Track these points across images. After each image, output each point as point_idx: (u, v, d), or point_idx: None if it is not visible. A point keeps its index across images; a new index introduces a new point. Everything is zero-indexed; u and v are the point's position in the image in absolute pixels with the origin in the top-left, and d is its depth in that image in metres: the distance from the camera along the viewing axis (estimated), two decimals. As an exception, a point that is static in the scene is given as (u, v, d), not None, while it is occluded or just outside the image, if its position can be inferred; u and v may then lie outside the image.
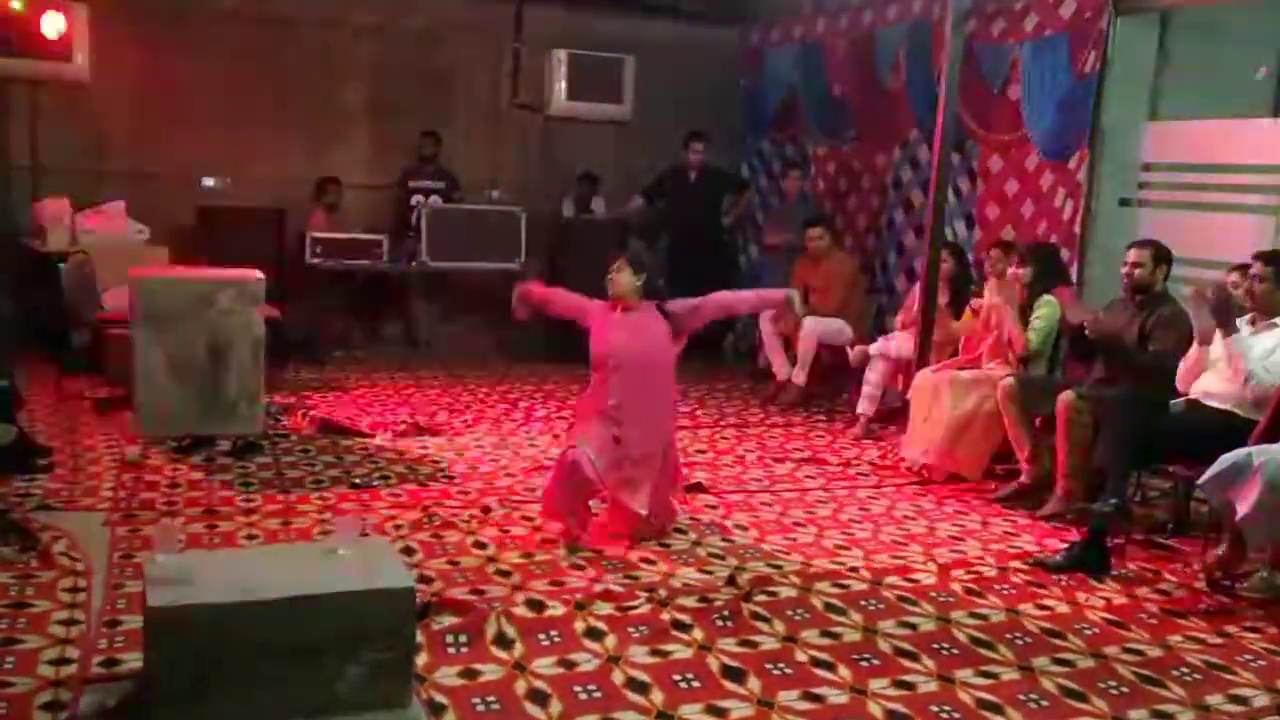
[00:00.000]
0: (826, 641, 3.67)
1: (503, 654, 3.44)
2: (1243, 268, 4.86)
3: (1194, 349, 4.75)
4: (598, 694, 3.22)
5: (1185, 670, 3.60)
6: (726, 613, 3.82)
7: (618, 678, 3.33)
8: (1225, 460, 4.09)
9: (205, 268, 6.27)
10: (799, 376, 7.40)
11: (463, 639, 3.50)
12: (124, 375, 6.17)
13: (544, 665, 3.38)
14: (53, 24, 7.32)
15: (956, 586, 4.23)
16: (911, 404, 5.85)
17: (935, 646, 3.67)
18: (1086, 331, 5.20)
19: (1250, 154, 5.83)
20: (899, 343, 6.64)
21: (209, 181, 8.52)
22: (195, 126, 8.20)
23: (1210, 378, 4.68)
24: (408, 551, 4.28)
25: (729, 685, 3.32)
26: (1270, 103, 6.31)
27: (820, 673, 3.44)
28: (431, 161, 8.94)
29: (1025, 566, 4.48)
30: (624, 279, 4.68)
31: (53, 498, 4.72)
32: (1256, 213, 5.78)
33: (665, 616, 3.77)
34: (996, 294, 5.71)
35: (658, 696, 3.22)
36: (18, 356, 6.58)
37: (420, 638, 3.33)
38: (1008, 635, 3.80)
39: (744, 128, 9.76)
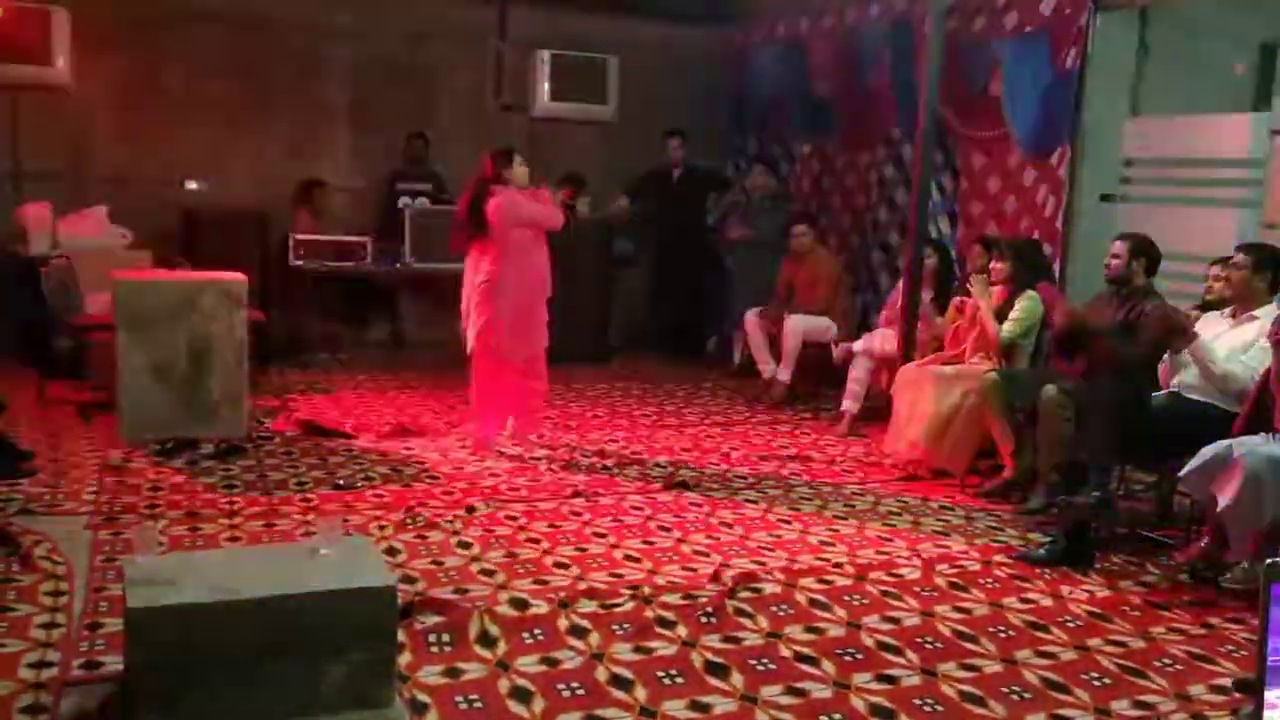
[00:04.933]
0: (810, 637, 3.67)
1: (486, 653, 3.43)
2: (1223, 261, 4.89)
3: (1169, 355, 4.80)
4: (581, 691, 3.22)
5: (1168, 661, 3.62)
6: (710, 609, 3.82)
7: (601, 675, 3.32)
8: (1206, 452, 4.11)
9: (187, 270, 6.25)
10: (784, 374, 7.42)
11: (445, 638, 3.49)
12: (106, 379, 6.16)
13: (527, 663, 3.37)
14: (33, 28, 7.29)
15: (940, 581, 4.24)
16: (895, 400, 5.86)
17: (919, 640, 3.68)
18: (1060, 321, 5.25)
19: (1230, 148, 5.86)
20: (883, 340, 6.65)
21: (192, 184, 8.49)
22: (177, 129, 8.18)
23: (1190, 371, 4.70)
24: (391, 552, 4.27)
25: (712, 681, 3.32)
26: (1250, 97, 6.35)
27: (804, 668, 3.44)
28: (420, 163, 8.94)
29: (1009, 560, 4.50)
30: (523, 171, 5.85)
31: (35, 502, 4.70)
32: (1237, 207, 5.81)
33: (649, 613, 3.78)
34: (975, 289, 5.75)
35: (641, 693, 3.22)
36: (-1, 361, 6.57)
37: (403, 637, 3.33)
38: (991, 629, 3.81)
39: (728, 127, 9.77)
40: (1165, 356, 4.81)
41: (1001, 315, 5.66)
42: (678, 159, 8.97)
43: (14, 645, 3.35)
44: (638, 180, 9.08)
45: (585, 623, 3.68)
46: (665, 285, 9.10)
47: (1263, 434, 4.15)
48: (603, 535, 4.63)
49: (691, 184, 9.04)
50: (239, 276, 5.93)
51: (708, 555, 4.44)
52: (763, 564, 4.35)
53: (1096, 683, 3.44)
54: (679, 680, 3.32)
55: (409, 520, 4.67)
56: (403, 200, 8.66)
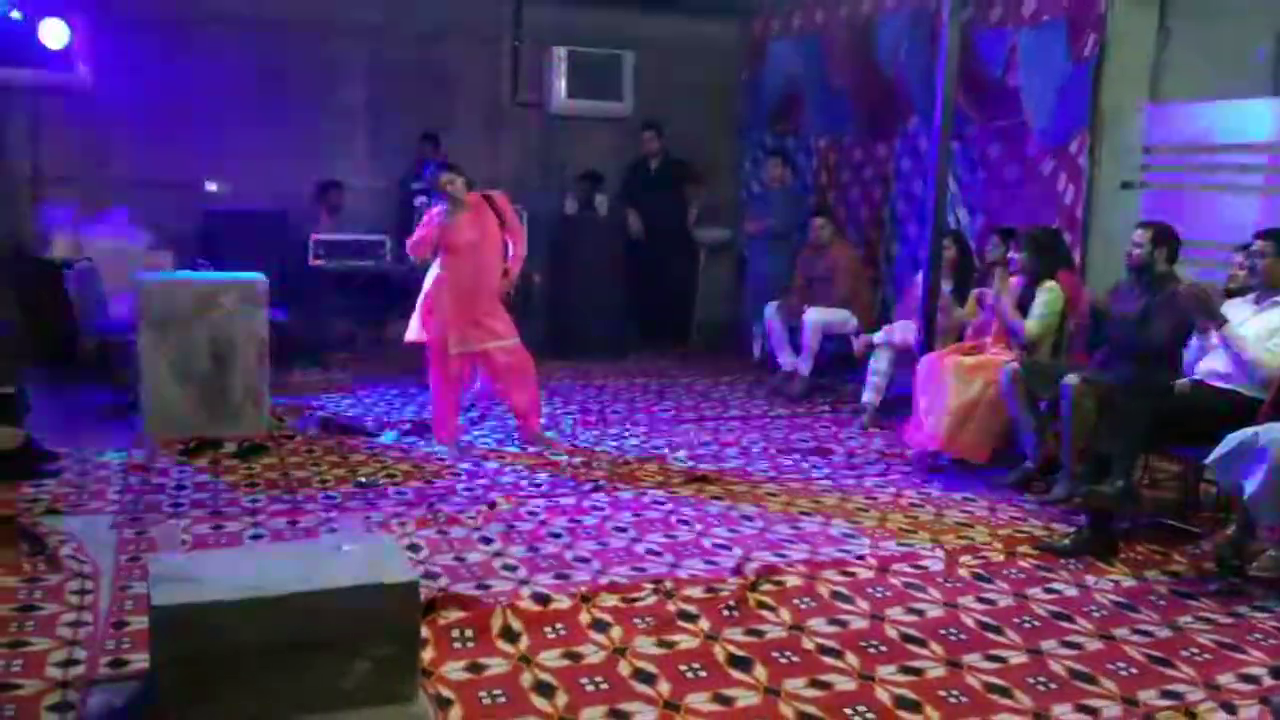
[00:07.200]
0: (833, 629, 3.66)
1: (509, 647, 3.44)
2: (1246, 247, 4.84)
3: (1195, 339, 4.74)
4: (604, 685, 3.22)
5: (1195, 650, 3.59)
6: (732, 602, 3.82)
7: (624, 669, 3.33)
8: (1232, 440, 4.07)
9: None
10: (804, 367, 7.39)
11: (469, 633, 3.50)
12: (129, 380, 6.20)
13: (550, 658, 3.38)
14: (54, 33, 7.34)
15: (964, 572, 4.22)
16: (916, 391, 5.83)
17: (943, 632, 3.67)
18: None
19: (1251, 134, 5.80)
20: (903, 331, 6.62)
21: (211, 186, 8.53)
22: (197, 131, 8.20)
23: (1214, 358, 4.66)
24: (413, 548, 4.28)
25: (735, 674, 3.32)
26: (1270, 82, 6.28)
27: (827, 660, 3.43)
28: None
29: (1033, 551, 4.47)
30: (460, 184, 5.72)
31: (61, 502, 4.74)
32: (1258, 193, 5.76)
33: (671, 607, 3.77)
34: (998, 284, 5.72)
35: (664, 687, 3.22)
36: (25, 363, 6.60)
37: (426, 633, 3.34)
38: (1015, 619, 3.79)
39: (745, 120, 9.75)
40: (1190, 342, 4.76)
41: (1022, 306, 5.62)
42: (653, 150, 9.06)
43: (41, 644, 3.37)
44: (624, 173, 9.19)
45: (607, 617, 3.68)
46: (640, 272, 9.09)
47: (1289, 421, 4.11)
48: (624, 529, 4.63)
49: (668, 174, 9.18)
50: (259, 276, 5.96)
51: (729, 548, 4.43)
52: (784, 557, 4.34)
53: (1123, 673, 3.42)
54: (702, 673, 3.32)
55: (431, 517, 4.68)
56: (418, 200, 8.67)
